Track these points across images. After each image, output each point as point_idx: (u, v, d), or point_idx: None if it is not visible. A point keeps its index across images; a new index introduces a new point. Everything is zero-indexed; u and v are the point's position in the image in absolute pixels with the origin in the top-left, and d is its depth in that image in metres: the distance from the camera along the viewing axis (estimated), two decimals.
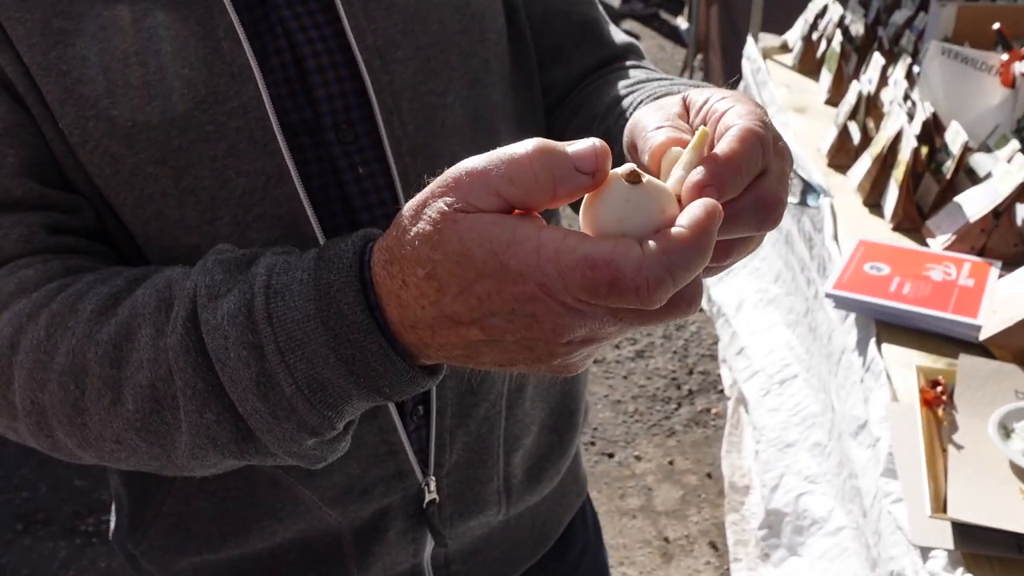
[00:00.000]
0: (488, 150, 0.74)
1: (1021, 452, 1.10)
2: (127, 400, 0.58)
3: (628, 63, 0.86)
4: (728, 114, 0.52)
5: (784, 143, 0.55)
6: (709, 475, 2.55)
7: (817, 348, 2.08)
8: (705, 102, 0.56)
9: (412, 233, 0.48)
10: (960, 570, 1.00)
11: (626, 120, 0.65)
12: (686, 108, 0.58)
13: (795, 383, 2.35)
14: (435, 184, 0.48)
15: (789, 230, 2.37)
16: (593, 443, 2.68)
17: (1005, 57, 1.65)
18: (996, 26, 1.67)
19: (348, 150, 0.71)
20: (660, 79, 0.77)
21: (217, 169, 0.66)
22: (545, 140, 0.46)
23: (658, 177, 0.51)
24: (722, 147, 0.49)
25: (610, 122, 0.73)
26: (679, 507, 2.45)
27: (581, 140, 0.46)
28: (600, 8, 0.91)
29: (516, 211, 0.47)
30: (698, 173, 0.47)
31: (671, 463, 2.61)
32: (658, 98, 0.66)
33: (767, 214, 0.50)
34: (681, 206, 0.46)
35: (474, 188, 0.46)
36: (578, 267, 0.43)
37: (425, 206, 0.48)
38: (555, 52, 0.86)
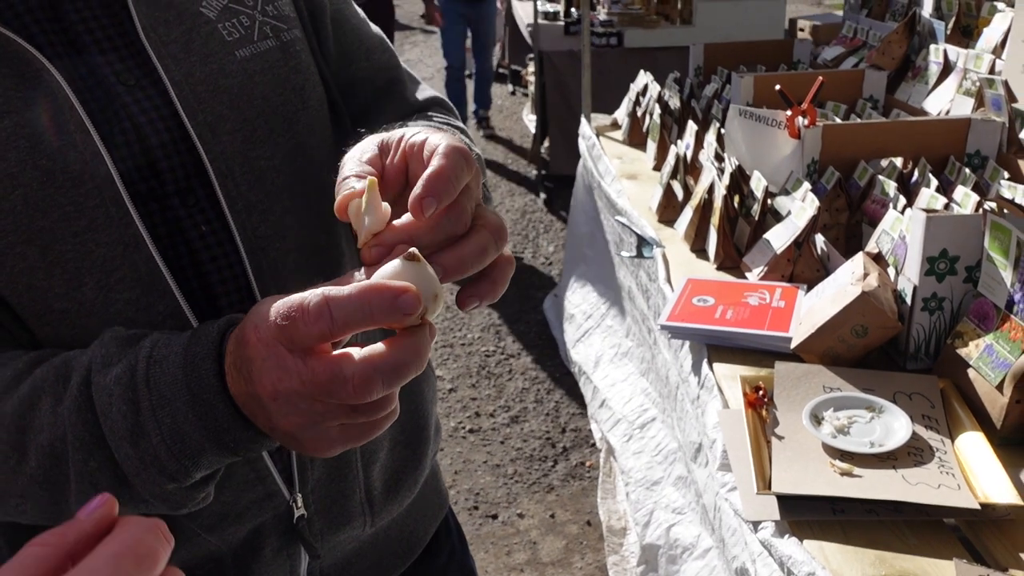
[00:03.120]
0: (315, 204, 0.90)
1: (830, 435, 1.28)
2: (31, 459, 0.69)
3: (420, 116, 1.00)
4: (427, 142, 0.65)
5: (477, 156, 0.69)
6: (589, 523, 2.68)
7: (661, 388, 2.27)
8: (400, 139, 0.68)
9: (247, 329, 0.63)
10: (787, 535, 1.16)
11: None
12: (382, 149, 0.69)
13: (654, 425, 2.52)
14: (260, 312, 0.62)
15: (630, 286, 2.58)
16: (476, 507, 2.77)
17: (789, 113, 1.92)
18: (777, 87, 1.95)
19: (191, 212, 0.81)
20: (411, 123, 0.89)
21: (79, 243, 0.75)
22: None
23: (351, 223, 0.63)
24: (432, 165, 0.62)
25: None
26: (563, 556, 2.56)
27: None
28: (404, 70, 1.05)
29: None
30: (418, 188, 0.60)
31: (552, 516, 2.72)
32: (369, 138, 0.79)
33: (458, 220, 0.63)
34: (407, 217, 0.61)
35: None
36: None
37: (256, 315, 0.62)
38: (363, 113, 1.00)
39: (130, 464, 0.66)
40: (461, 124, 1.00)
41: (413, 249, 0.58)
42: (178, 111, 0.79)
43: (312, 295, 0.57)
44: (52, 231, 0.74)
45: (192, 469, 0.67)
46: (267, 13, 0.88)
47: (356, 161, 0.68)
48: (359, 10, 1.03)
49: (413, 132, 0.68)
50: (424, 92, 1.06)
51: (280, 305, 0.59)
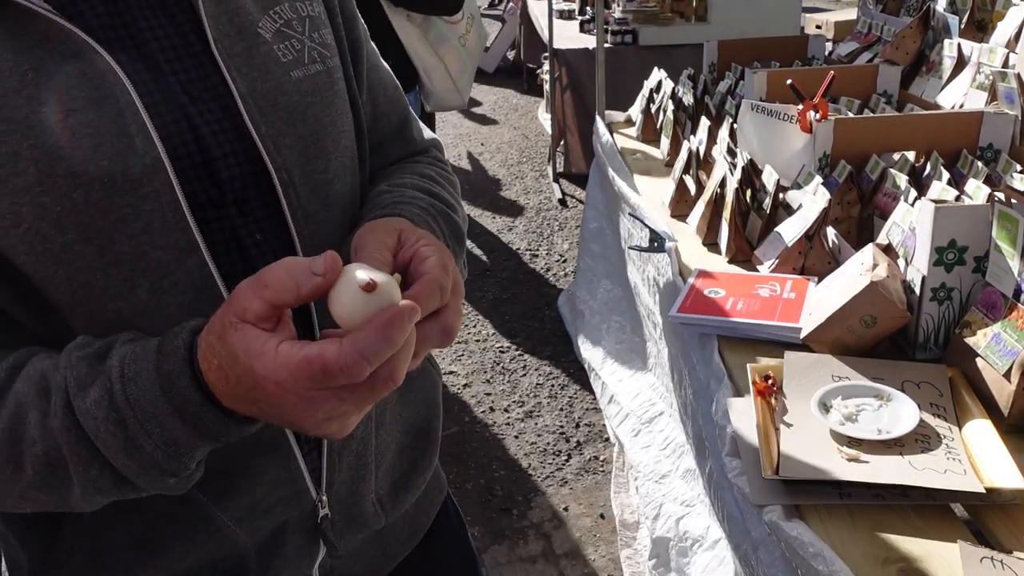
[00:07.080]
0: (353, 218, 0.94)
1: (838, 422, 1.29)
2: (27, 468, 0.73)
3: (423, 158, 1.09)
4: (426, 263, 0.74)
5: (460, 282, 0.77)
6: (602, 516, 2.70)
7: (667, 382, 2.29)
8: (417, 242, 0.77)
9: (213, 335, 0.68)
10: (794, 518, 1.18)
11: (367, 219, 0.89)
12: (400, 241, 0.78)
13: (661, 419, 2.54)
14: (227, 300, 0.68)
15: (637, 282, 2.60)
16: (491, 500, 2.80)
17: (800, 107, 1.93)
18: (788, 82, 1.96)
19: (247, 221, 0.84)
20: (418, 186, 1.00)
21: (135, 244, 0.77)
22: (292, 258, 0.67)
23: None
24: (413, 291, 0.70)
25: (363, 212, 0.95)
26: (577, 548, 2.58)
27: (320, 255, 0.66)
28: (411, 109, 1.11)
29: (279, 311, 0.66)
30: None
31: (566, 509, 2.74)
32: (388, 215, 0.89)
33: (445, 336, 0.72)
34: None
35: (245, 297, 0.66)
36: (299, 365, 0.62)
37: (223, 314, 0.67)
38: (378, 146, 1.05)
39: (130, 470, 0.71)
40: (455, 180, 1.09)
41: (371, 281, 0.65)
42: (243, 122, 0.82)
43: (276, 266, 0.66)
44: (110, 232, 0.75)
45: (189, 463, 0.72)
46: (314, 40, 0.91)
47: (379, 244, 0.77)
48: (375, 47, 1.08)
49: (425, 243, 0.77)
50: (424, 132, 1.13)
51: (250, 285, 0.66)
